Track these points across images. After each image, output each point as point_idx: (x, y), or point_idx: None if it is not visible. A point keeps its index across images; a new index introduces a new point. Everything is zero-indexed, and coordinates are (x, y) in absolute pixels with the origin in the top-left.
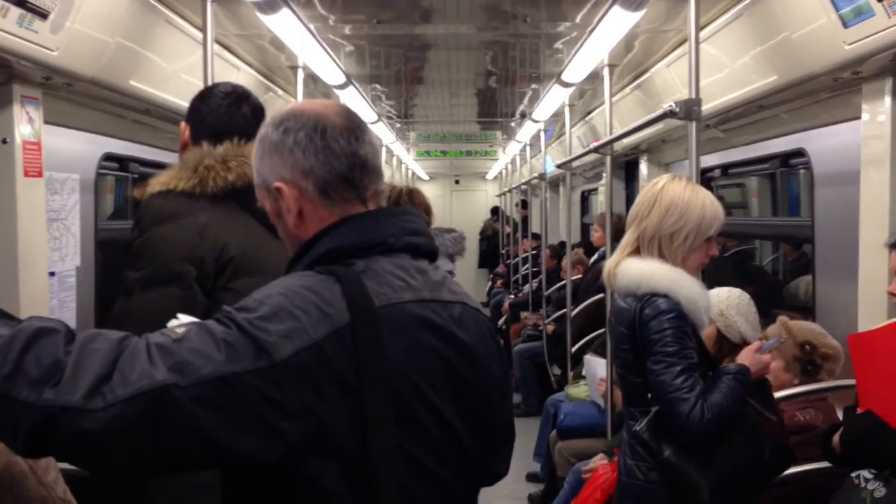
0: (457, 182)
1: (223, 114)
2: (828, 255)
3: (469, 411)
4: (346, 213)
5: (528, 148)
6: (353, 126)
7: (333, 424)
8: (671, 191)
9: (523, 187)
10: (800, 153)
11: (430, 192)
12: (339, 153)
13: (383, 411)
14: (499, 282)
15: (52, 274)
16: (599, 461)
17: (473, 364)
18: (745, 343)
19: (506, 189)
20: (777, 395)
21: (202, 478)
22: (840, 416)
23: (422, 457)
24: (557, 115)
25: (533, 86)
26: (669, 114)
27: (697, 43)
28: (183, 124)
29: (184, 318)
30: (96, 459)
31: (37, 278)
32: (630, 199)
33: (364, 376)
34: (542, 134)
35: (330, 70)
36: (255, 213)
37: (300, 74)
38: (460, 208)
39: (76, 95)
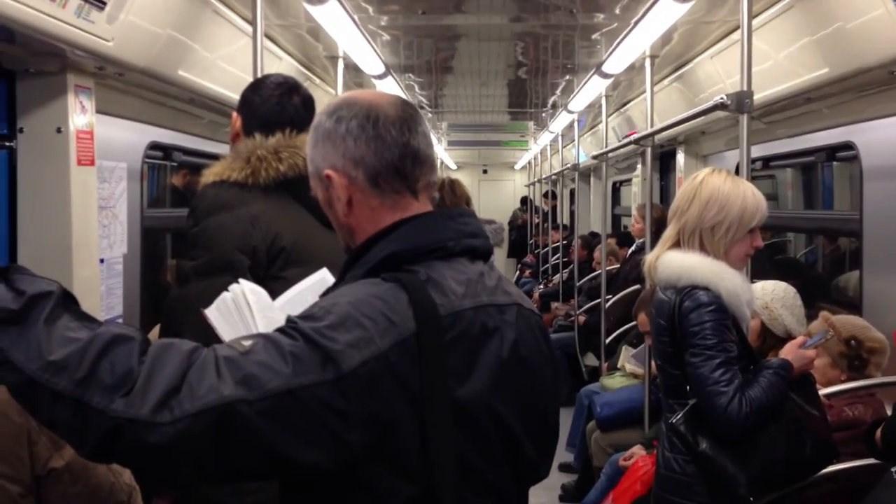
0: (484, 172)
1: (275, 104)
2: (876, 249)
3: (526, 416)
4: (397, 205)
5: (559, 138)
6: (406, 117)
7: (398, 434)
8: (711, 183)
9: (553, 178)
10: (848, 146)
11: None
12: (391, 143)
13: (444, 421)
14: (527, 272)
15: (101, 261)
16: (638, 452)
17: (528, 368)
18: (790, 337)
19: (535, 179)
20: (825, 391)
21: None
22: (889, 411)
23: (480, 466)
24: (591, 106)
25: (567, 77)
26: (721, 106)
27: (750, 33)
28: (234, 115)
29: (245, 284)
30: (161, 471)
31: (89, 265)
32: (665, 191)
33: (428, 386)
34: (575, 124)
35: (370, 60)
36: (307, 203)
37: (340, 64)
38: (487, 198)
39: (125, 84)
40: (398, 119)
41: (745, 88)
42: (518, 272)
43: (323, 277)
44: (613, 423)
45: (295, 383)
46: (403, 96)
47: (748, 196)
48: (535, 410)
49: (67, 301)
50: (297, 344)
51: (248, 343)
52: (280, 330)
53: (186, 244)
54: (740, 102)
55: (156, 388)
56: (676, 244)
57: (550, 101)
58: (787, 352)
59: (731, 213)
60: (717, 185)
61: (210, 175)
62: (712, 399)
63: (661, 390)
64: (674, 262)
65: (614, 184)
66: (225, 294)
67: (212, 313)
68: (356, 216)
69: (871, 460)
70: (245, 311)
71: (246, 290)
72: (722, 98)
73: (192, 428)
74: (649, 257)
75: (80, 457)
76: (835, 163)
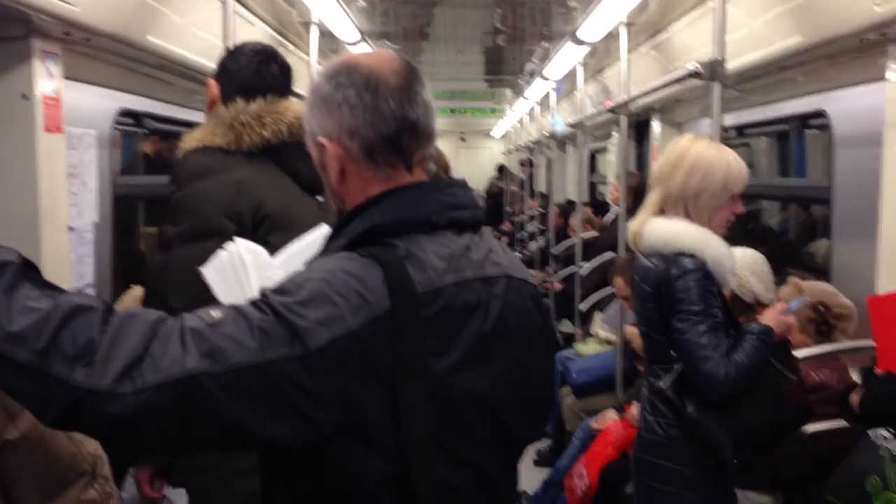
0: (462, 139)
1: (253, 72)
2: (846, 217)
3: (512, 389)
4: (390, 178)
5: (536, 106)
6: (407, 86)
7: (368, 413)
8: (695, 150)
9: (530, 146)
10: (819, 114)
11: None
12: (388, 115)
13: (419, 401)
14: (503, 239)
15: (71, 229)
16: (611, 416)
17: (515, 340)
18: (758, 303)
19: (512, 147)
20: (797, 353)
21: (243, 463)
22: (854, 376)
23: (457, 443)
24: (567, 74)
25: (543, 43)
26: (694, 74)
27: (724, 1)
28: (211, 81)
29: (242, 243)
30: (125, 441)
31: (58, 233)
32: (641, 159)
33: (401, 365)
34: (551, 92)
35: (345, 26)
36: (289, 170)
37: (314, 31)
38: (466, 165)
39: (94, 50)
40: (398, 88)
41: (717, 57)
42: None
43: (323, 234)
44: (588, 389)
45: (260, 358)
46: None
47: (731, 163)
48: (524, 382)
49: (29, 270)
50: (266, 318)
51: (217, 315)
52: (252, 302)
53: (169, 210)
54: (713, 71)
55: (117, 359)
56: (660, 211)
57: (527, 69)
58: (769, 318)
59: (714, 179)
60: (700, 151)
61: (192, 140)
62: (699, 364)
63: (644, 355)
64: (659, 230)
65: (591, 152)
66: (221, 252)
67: (208, 272)
68: (348, 186)
69: (837, 423)
70: (240, 270)
71: (242, 249)
72: (695, 66)
73: (155, 399)
74: (633, 224)
75: (43, 426)
76: (808, 131)
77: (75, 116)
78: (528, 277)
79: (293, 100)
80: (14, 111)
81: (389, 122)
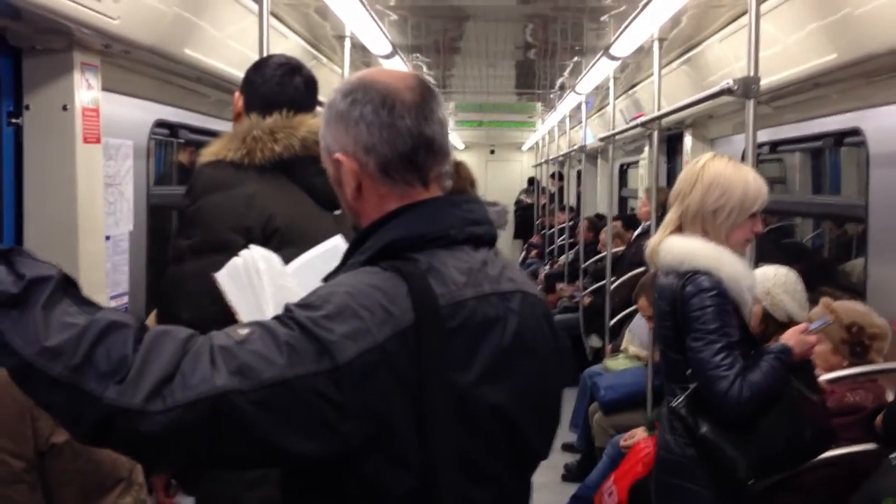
0: (492, 152)
1: (276, 84)
2: (881, 236)
3: (528, 405)
4: (406, 195)
5: (567, 119)
6: (423, 103)
7: (394, 426)
8: (713, 168)
9: (560, 159)
10: (855, 132)
11: (464, 161)
12: (405, 132)
13: (444, 414)
14: (533, 252)
15: (107, 238)
16: (640, 434)
17: (531, 356)
18: (792, 322)
19: (542, 160)
20: (827, 376)
21: (252, 474)
22: (890, 397)
23: (480, 457)
24: (599, 88)
25: (575, 58)
26: (727, 91)
27: (758, 18)
28: (237, 94)
29: (256, 250)
30: (154, 457)
31: (95, 242)
32: (672, 174)
33: (425, 378)
34: (583, 106)
35: (376, 39)
36: (302, 184)
37: (347, 44)
38: (495, 178)
39: (131, 63)
40: (414, 106)
41: (751, 74)
42: (524, 253)
43: (336, 245)
44: (616, 406)
45: (290, 374)
46: None
47: (750, 181)
48: (539, 398)
49: (67, 285)
50: (293, 334)
51: (244, 332)
52: (277, 318)
53: (181, 223)
54: (747, 88)
55: (149, 377)
56: (678, 229)
57: (558, 83)
58: (789, 337)
59: (732, 197)
60: (719, 169)
61: (207, 154)
62: (713, 383)
63: (663, 374)
64: (675, 247)
65: (622, 166)
66: (236, 259)
67: (222, 278)
68: (364, 202)
69: (870, 445)
70: (254, 277)
71: (256, 256)
72: (728, 83)
73: (184, 417)
74: (651, 242)
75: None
76: (843, 148)
77: (113, 127)
78: (539, 295)
79: (319, 110)
80: (55, 122)
81: (406, 139)
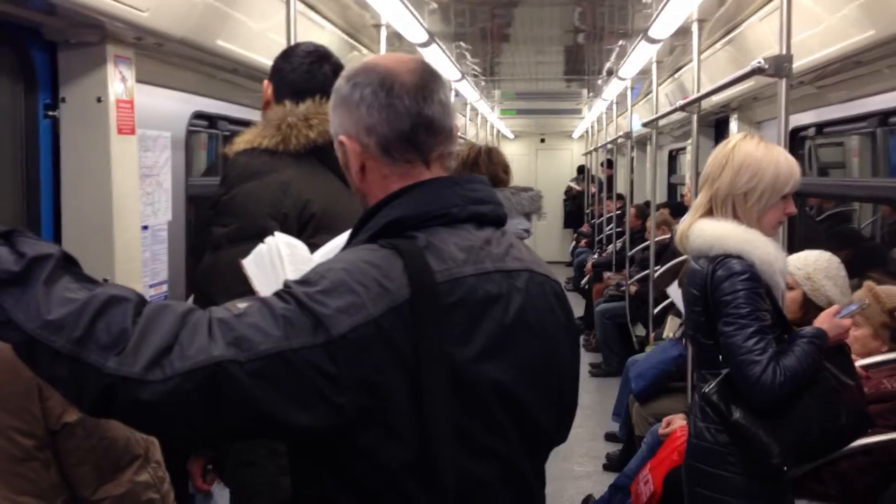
0: (542, 141)
1: (304, 72)
2: None
3: (535, 382)
4: (408, 175)
5: (614, 106)
6: (423, 84)
7: (391, 400)
8: (743, 149)
9: (609, 146)
10: None
11: (514, 150)
12: (404, 112)
13: (440, 389)
14: (583, 241)
15: (144, 228)
16: (678, 422)
17: (537, 334)
18: None
19: (591, 148)
20: (864, 361)
21: (287, 459)
22: None
23: (479, 434)
24: (645, 73)
25: (620, 42)
26: (758, 71)
27: None
28: (266, 83)
29: (281, 237)
30: (156, 426)
31: (130, 231)
32: None
33: (422, 353)
34: (628, 92)
35: (413, 28)
36: (337, 169)
37: (383, 32)
38: (545, 167)
39: (167, 55)
40: (413, 87)
41: (783, 52)
42: (574, 242)
43: None
44: (648, 393)
45: (285, 346)
46: (449, 65)
47: (781, 162)
48: (545, 377)
49: (68, 263)
50: (290, 308)
51: (242, 305)
52: (276, 294)
53: (217, 211)
54: (779, 67)
55: (148, 348)
56: (709, 212)
57: (605, 68)
58: (822, 321)
59: (764, 179)
60: (749, 150)
61: (241, 143)
62: (745, 368)
63: (694, 360)
64: (706, 231)
65: (671, 152)
66: (261, 245)
67: (248, 264)
68: (368, 182)
69: None
70: (277, 263)
71: (280, 243)
72: (759, 62)
73: (183, 386)
74: (681, 226)
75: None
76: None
77: (150, 119)
78: (551, 274)
79: None
80: (89, 114)
81: (404, 119)
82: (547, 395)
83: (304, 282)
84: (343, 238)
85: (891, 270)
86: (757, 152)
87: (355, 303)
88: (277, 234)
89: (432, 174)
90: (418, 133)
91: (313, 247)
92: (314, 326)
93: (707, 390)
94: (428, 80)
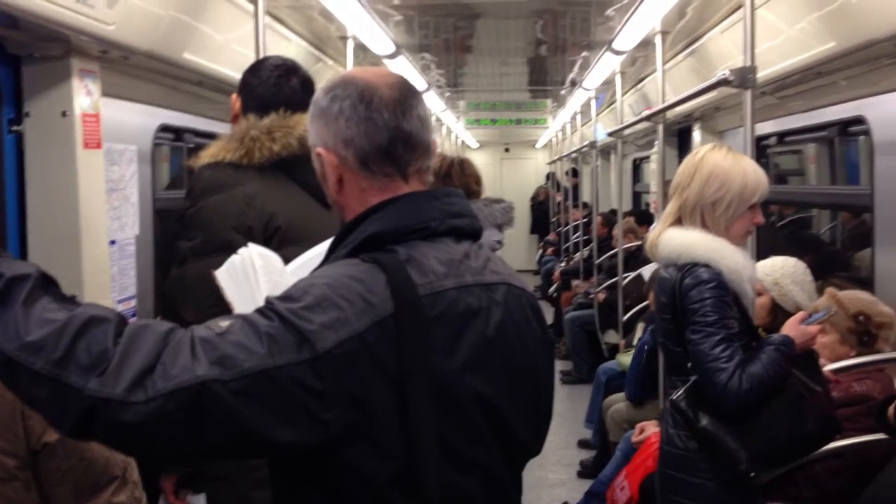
0: (506, 150)
1: (272, 86)
2: (888, 224)
3: (515, 395)
4: (386, 188)
5: (578, 116)
6: (401, 99)
7: (376, 415)
8: (711, 160)
9: (574, 155)
10: (859, 120)
11: (479, 160)
12: (381, 126)
13: (425, 402)
14: (549, 250)
15: (112, 242)
16: (651, 428)
17: (516, 347)
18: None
19: (556, 157)
20: (833, 366)
21: (260, 472)
22: None
23: (463, 446)
24: (609, 83)
25: (583, 53)
26: (724, 82)
27: (753, 9)
28: (234, 96)
29: (255, 248)
30: (139, 448)
31: (98, 247)
32: None
33: (406, 367)
34: (592, 102)
35: (379, 40)
36: (302, 182)
37: (350, 44)
38: (510, 176)
39: (133, 68)
40: (392, 101)
41: (748, 64)
42: (541, 250)
43: None
44: (644, 393)
45: (269, 363)
46: (416, 76)
47: (749, 172)
48: (526, 389)
49: (47, 283)
50: (274, 325)
51: (224, 324)
52: (258, 310)
53: (182, 225)
54: (743, 78)
55: (130, 368)
56: (678, 221)
57: (569, 79)
58: (789, 328)
59: (731, 189)
60: (717, 161)
61: (205, 156)
62: (712, 375)
63: (665, 367)
64: (674, 240)
65: (635, 161)
66: (234, 257)
67: (221, 275)
68: (346, 195)
69: (879, 435)
70: (250, 275)
71: (254, 254)
72: (725, 73)
73: (166, 407)
74: (651, 234)
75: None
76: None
77: (116, 133)
78: (527, 287)
79: None
80: (55, 128)
81: (382, 133)
82: (525, 406)
83: (286, 297)
84: (316, 250)
85: (851, 275)
86: (725, 162)
87: (340, 318)
88: (251, 245)
89: (410, 188)
90: (396, 147)
91: (283, 260)
92: (299, 343)
93: (675, 397)
94: (407, 94)
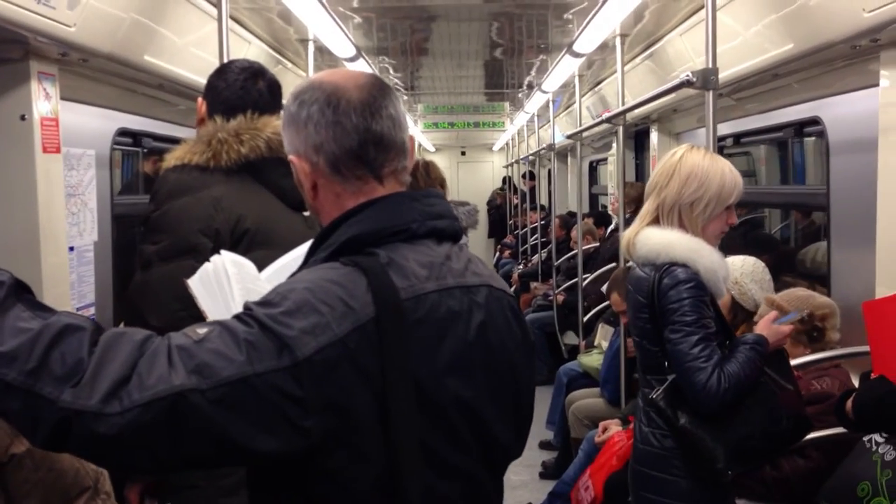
0: (463, 153)
1: (238, 89)
2: (843, 223)
3: (496, 398)
4: (360, 191)
5: (535, 118)
6: (370, 100)
7: (358, 420)
8: (690, 160)
9: (531, 158)
10: (814, 121)
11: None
12: (350, 129)
13: (406, 406)
14: (507, 252)
15: (71, 249)
16: (614, 428)
17: (497, 349)
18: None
19: (513, 160)
20: (792, 363)
21: (228, 480)
22: (856, 383)
23: (444, 449)
24: (566, 86)
25: (541, 56)
26: (686, 83)
27: (714, 11)
28: (200, 100)
29: (227, 255)
30: (115, 459)
31: (57, 253)
32: (640, 169)
33: (388, 371)
34: (550, 104)
35: (340, 42)
36: (270, 185)
37: (311, 47)
38: (466, 179)
39: (91, 71)
40: (360, 103)
41: (710, 66)
42: (498, 253)
43: None
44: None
45: (249, 371)
46: None
47: (726, 173)
48: (507, 392)
49: (20, 291)
50: (252, 331)
51: (202, 331)
52: (237, 317)
53: (147, 228)
54: (706, 79)
55: (105, 379)
56: (655, 220)
57: (526, 82)
58: (762, 327)
59: (710, 189)
60: (696, 161)
61: (171, 159)
62: (691, 375)
63: (638, 367)
64: (652, 239)
65: (591, 163)
66: (206, 265)
67: (194, 283)
68: (321, 201)
69: (840, 430)
70: (224, 282)
71: (227, 262)
72: (688, 75)
73: (142, 418)
74: (627, 233)
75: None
76: (807, 138)
77: (74, 137)
78: (507, 289)
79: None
80: (12, 132)
81: (352, 136)
82: (506, 409)
83: (265, 303)
84: (291, 255)
85: (802, 272)
86: (704, 163)
87: (320, 323)
88: (224, 252)
89: (386, 190)
90: (367, 149)
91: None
92: (279, 349)
93: (654, 396)
94: (377, 95)
